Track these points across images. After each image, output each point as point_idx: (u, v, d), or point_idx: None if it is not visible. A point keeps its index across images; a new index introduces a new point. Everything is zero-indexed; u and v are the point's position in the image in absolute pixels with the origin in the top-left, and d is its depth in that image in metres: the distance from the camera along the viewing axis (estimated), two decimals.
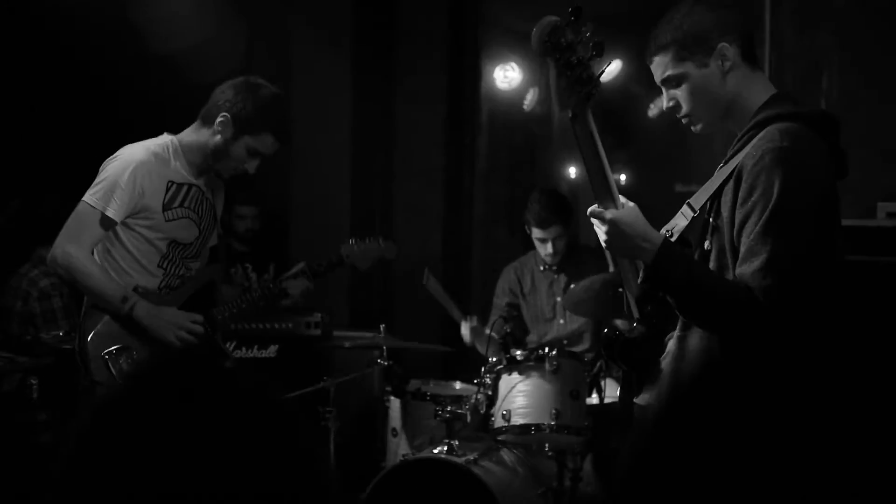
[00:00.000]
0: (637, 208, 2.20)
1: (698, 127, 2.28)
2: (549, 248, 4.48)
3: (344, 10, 5.65)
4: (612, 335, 2.29)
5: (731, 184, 2.14)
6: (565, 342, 4.32)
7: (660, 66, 2.25)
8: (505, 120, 6.32)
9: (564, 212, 4.47)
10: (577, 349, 4.29)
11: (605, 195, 2.18)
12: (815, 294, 2.06)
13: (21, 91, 4.52)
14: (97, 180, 3.10)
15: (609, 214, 2.17)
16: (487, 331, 4.30)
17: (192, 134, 3.21)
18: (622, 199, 2.21)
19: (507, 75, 5.94)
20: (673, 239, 2.20)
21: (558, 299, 4.54)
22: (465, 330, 4.49)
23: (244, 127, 3.13)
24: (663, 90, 2.28)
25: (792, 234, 2.03)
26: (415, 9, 5.74)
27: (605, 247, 2.25)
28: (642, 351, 2.29)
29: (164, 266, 3.18)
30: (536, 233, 4.48)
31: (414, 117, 5.72)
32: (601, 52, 2.04)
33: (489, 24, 5.88)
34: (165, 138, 3.22)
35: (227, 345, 3.49)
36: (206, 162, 3.21)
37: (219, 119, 3.13)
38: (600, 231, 2.21)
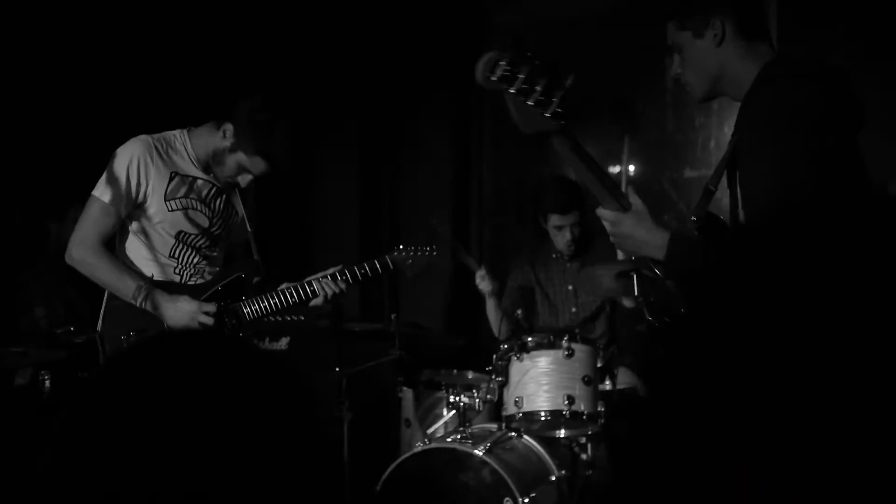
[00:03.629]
0: (641, 209, 2.22)
1: (696, 94, 2.42)
2: (567, 234, 4.42)
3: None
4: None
5: (739, 148, 2.22)
6: (577, 330, 4.30)
7: (669, 33, 2.41)
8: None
9: (581, 196, 4.46)
10: (590, 336, 4.28)
11: (606, 200, 2.23)
12: (827, 229, 2.02)
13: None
14: (104, 173, 3.20)
15: (611, 216, 2.23)
16: (498, 319, 4.30)
17: (205, 132, 3.33)
18: (631, 197, 2.24)
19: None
20: (696, 222, 2.25)
21: (570, 287, 4.53)
22: (479, 278, 4.45)
23: (240, 144, 3.23)
24: (674, 56, 2.42)
25: (788, 161, 2.04)
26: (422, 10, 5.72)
27: (615, 245, 2.32)
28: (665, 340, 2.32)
29: (176, 255, 3.26)
30: (556, 220, 4.42)
31: (423, 111, 5.72)
32: (555, 71, 2.06)
33: (499, 5, 5.85)
34: (175, 131, 3.30)
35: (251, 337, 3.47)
36: (211, 161, 3.29)
37: (224, 127, 3.25)
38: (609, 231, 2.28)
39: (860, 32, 4.27)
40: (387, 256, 3.49)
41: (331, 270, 3.41)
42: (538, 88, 2.05)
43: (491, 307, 4.47)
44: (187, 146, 3.30)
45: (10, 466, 3.42)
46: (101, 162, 3.25)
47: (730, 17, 2.31)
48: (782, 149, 2.04)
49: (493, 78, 2.04)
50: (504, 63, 2.03)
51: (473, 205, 5.83)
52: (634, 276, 2.72)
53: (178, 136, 3.31)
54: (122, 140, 3.26)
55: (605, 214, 2.24)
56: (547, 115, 2.07)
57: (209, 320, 3.19)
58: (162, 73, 4.69)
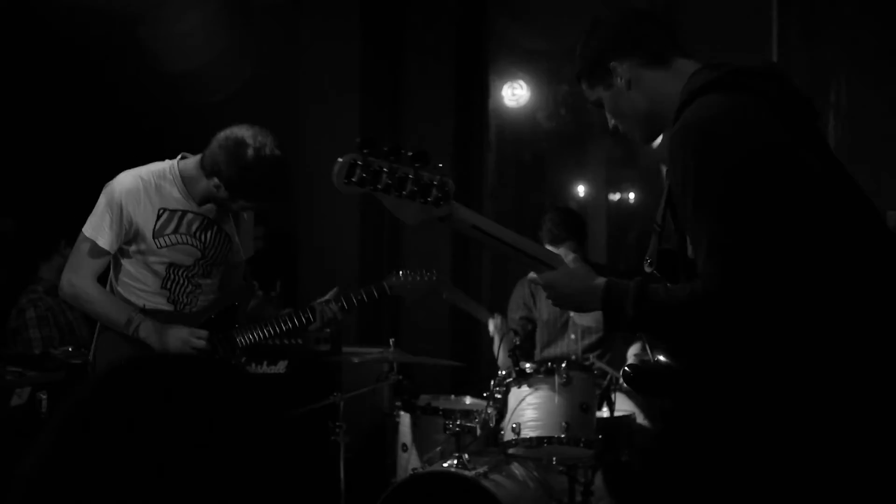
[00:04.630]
0: (574, 263, 2.15)
1: (636, 139, 2.29)
2: None
3: (352, 27, 5.68)
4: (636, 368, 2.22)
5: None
6: (573, 357, 4.31)
7: (587, 94, 2.30)
8: (513, 137, 6.34)
9: (576, 229, 4.48)
10: (589, 364, 4.28)
11: (534, 265, 2.17)
12: (785, 270, 1.83)
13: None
14: (93, 210, 3.21)
15: (543, 280, 2.16)
16: (497, 343, 4.30)
17: (194, 170, 3.25)
18: (563, 254, 2.18)
19: (514, 93, 5.96)
20: (650, 264, 2.15)
21: (571, 314, 4.53)
22: (492, 327, 4.44)
23: (233, 192, 3.19)
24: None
25: (725, 211, 1.85)
26: (423, 26, 5.76)
27: (557, 306, 2.25)
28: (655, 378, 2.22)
29: (168, 287, 3.26)
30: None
31: (422, 132, 5.74)
32: (421, 158, 1.98)
33: (497, 41, 5.90)
34: (164, 164, 3.27)
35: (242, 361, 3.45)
36: (205, 200, 3.27)
37: (212, 182, 3.18)
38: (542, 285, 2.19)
39: (860, 40, 4.29)
40: (384, 283, 3.48)
41: (328, 296, 3.40)
42: (408, 180, 1.95)
43: (503, 348, 4.45)
44: (177, 180, 3.25)
45: (6, 486, 3.40)
46: (90, 192, 3.24)
47: (627, 57, 2.18)
48: (717, 201, 1.86)
49: (354, 182, 1.93)
50: (360, 165, 1.92)
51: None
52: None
53: (167, 170, 3.26)
54: (111, 169, 3.26)
55: (537, 279, 2.17)
56: (429, 201, 1.98)
57: (202, 344, 3.19)
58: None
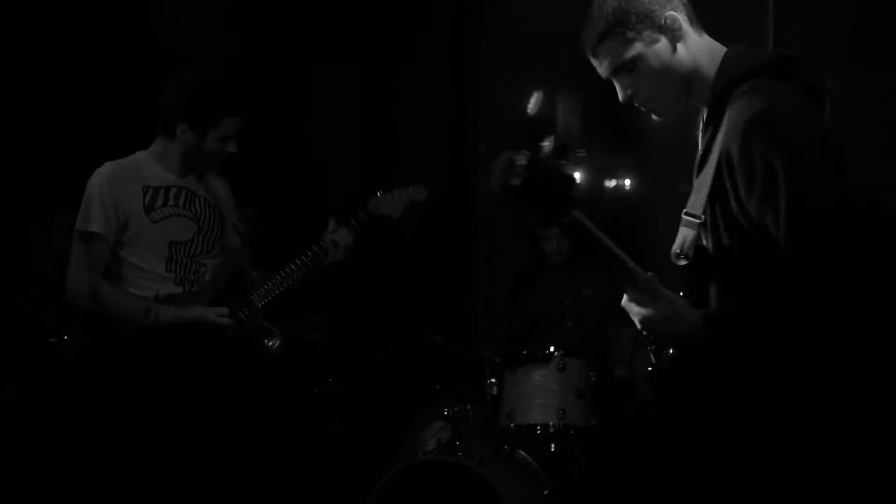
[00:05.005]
0: (670, 303, 1.97)
1: (663, 110, 2.12)
2: (553, 245, 4.55)
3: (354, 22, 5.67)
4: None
5: (724, 173, 1.95)
6: (571, 343, 4.31)
7: (608, 55, 2.07)
8: (509, 131, 6.31)
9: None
10: (587, 348, 4.28)
11: (629, 279, 2.01)
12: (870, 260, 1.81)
13: None
14: (81, 206, 3.20)
15: (640, 317, 2.00)
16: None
17: (160, 145, 3.29)
18: (660, 290, 1.98)
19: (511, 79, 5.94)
20: (684, 261, 2.01)
21: (567, 301, 4.55)
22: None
23: (204, 127, 3.20)
24: (616, 82, 2.11)
25: (820, 217, 1.81)
26: (420, 12, 5.73)
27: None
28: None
29: (173, 269, 3.24)
30: (540, 231, 4.55)
31: (418, 123, 5.74)
32: (566, 153, 1.96)
33: (492, 28, 5.87)
34: (136, 154, 3.32)
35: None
36: (186, 164, 3.28)
37: (179, 129, 3.20)
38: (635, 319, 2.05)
39: (857, 35, 4.28)
40: (368, 206, 3.52)
41: (330, 227, 3.43)
42: (556, 178, 1.95)
43: None
44: (150, 160, 3.30)
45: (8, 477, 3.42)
46: (82, 172, 3.24)
47: (680, 8, 2.03)
48: (812, 205, 1.83)
49: (515, 184, 1.90)
50: (524, 164, 1.90)
51: (472, 223, 5.85)
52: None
53: (139, 156, 3.31)
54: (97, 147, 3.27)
55: (633, 311, 2.01)
56: (565, 220, 1.98)
57: (226, 321, 3.18)
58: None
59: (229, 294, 3.28)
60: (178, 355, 3.06)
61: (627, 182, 6.44)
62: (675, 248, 2.01)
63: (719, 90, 1.99)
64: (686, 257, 2.00)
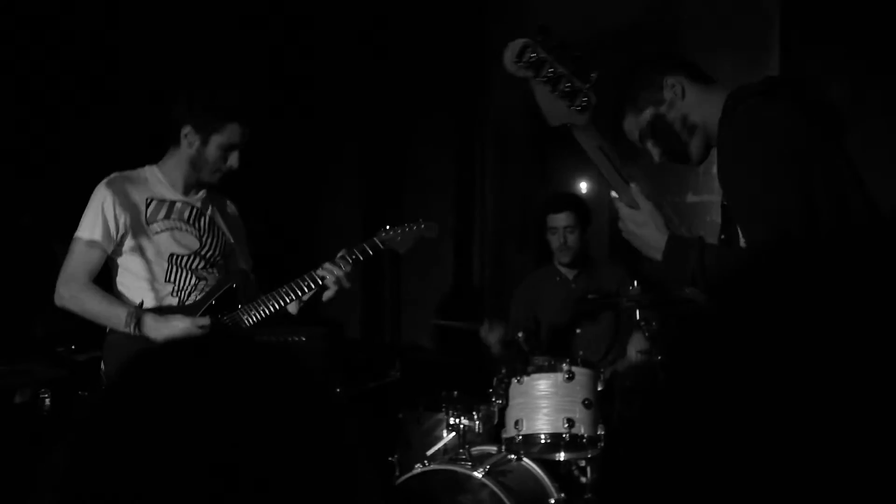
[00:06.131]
0: (651, 212, 2.25)
1: (693, 157, 2.39)
2: (559, 238, 4.50)
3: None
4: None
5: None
6: (581, 352, 4.30)
7: (630, 126, 2.40)
8: (514, 130, 6.31)
9: (579, 203, 4.56)
10: (595, 358, 4.28)
11: (622, 191, 2.28)
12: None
13: None
14: (84, 214, 3.25)
15: (624, 212, 2.27)
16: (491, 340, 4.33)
17: (169, 157, 3.34)
18: (641, 200, 2.26)
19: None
20: (726, 242, 2.33)
21: (574, 308, 4.54)
22: (484, 332, 4.48)
23: (206, 131, 3.21)
24: (649, 148, 2.41)
25: (771, 186, 2.05)
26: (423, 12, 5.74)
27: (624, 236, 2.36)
28: None
29: (172, 279, 3.25)
30: (550, 220, 4.52)
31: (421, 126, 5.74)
32: (581, 64, 2.07)
33: (499, 28, 5.86)
34: (144, 167, 3.37)
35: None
36: (189, 177, 3.30)
37: (183, 133, 3.24)
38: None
39: (863, 49, 4.29)
40: (375, 238, 3.51)
41: (336, 259, 3.42)
42: (564, 80, 2.06)
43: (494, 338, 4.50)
44: (157, 175, 3.34)
45: (8, 483, 3.41)
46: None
47: (678, 72, 2.35)
48: (764, 175, 2.06)
49: (521, 63, 2.03)
50: (532, 50, 2.03)
51: (476, 229, 5.84)
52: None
53: (147, 170, 3.36)
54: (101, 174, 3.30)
55: (620, 207, 2.27)
56: (574, 108, 2.08)
57: (205, 333, 3.17)
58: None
59: (219, 309, 3.28)
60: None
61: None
62: (721, 232, 2.34)
63: (724, 116, 2.26)
64: (727, 239, 2.30)
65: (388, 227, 3.58)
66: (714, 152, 2.38)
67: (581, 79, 2.06)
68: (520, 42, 2.04)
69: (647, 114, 2.35)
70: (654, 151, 2.40)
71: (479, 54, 5.72)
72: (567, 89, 2.06)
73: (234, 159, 3.29)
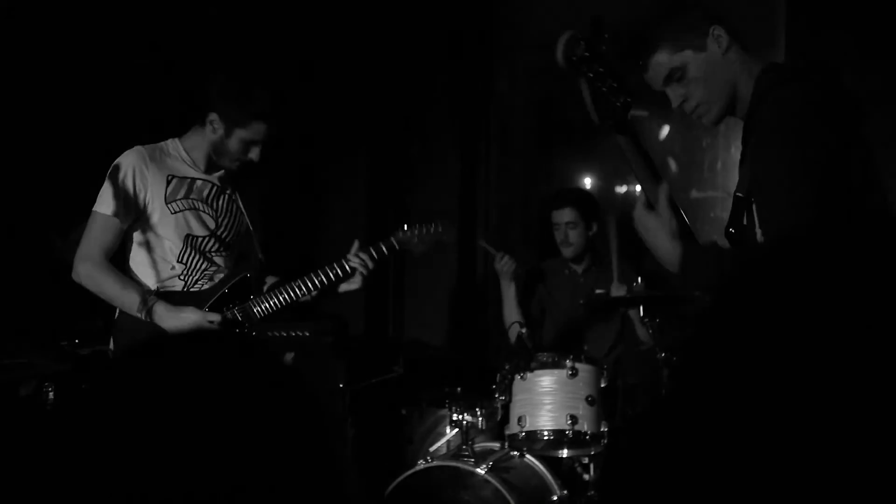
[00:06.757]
0: (665, 221, 2.24)
1: (710, 116, 2.31)
2: (562, 233, 4.53)
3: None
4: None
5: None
6: (585, 347, 4.30)
7: (659, 64, 2.28)
8: (519, 126, 6.30)
9: (582, 199, 4.55)
10: (599, 354, 4.27)
11: (650, 188, 2.28)
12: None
13: None
14: (103, 187, 3.24)
15: (638, 211, 2.27)
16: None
17: (193, 135, 3.35)
18: (661, 207, 2.26)
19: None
20: (735, 235, 2.26)
21: (581, 302, 4.53)
22: (499, 259, 4.53)
23: (232, 122, 3.22)
24: (668, 91, 2.32)
25: (797, 176, 2.02)
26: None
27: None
28: None
29: (184, 260, 3.26)
30: (553, 216, 4.56)
31: (425, 123, 5.73)
32: (625, 61, 2.11)
33: (503, 24, 5.85)
34: (167, 141, 3.36)
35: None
36: (211, 158, 3.31)
37: (209, 118, 3.26)
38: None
39: (869, 38, 4.27)
40: (392, 238, 3.51)
41: (353, 250, 3.43)
42: (611, 77, 2.05)
43: (510, 295, 4.49)
44: (180, 151, 3.34)
45: (11, 476, 3.41)
46: (103, 176, 3.25)
47: (725, 24, 2.28)
48: (791, 163, 2.03)
49: (574, 58, 2.01)
50: (585, 45, 2.01)
51: (480, 225, 5.83)
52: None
53: (170, 144, 3.35)
54: (120, 151, 3.28)
55: (637, 207, 2.28)
56: (618, 104, 2.08)
57: (215, 328, 3.19)
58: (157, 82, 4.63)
59: (232, 300, 3.28)
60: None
61: (638, 188, 6.42)
62: (728, 226, 2.26)
63: (759, 94, 2.19)
64: (736, 232, 2.24)
65: (405, 228, 3.56)
66: (726, 127, 2.37)
67: (625, 77, 2.08)
68: (573, 34, 2.04)
69: (685, 55, 2.25)
70: (675, 95, 2.30)
71: (484, 51, 5.72)
72: (614, 86, 2.06)
73: (255, 153, 3.31)
